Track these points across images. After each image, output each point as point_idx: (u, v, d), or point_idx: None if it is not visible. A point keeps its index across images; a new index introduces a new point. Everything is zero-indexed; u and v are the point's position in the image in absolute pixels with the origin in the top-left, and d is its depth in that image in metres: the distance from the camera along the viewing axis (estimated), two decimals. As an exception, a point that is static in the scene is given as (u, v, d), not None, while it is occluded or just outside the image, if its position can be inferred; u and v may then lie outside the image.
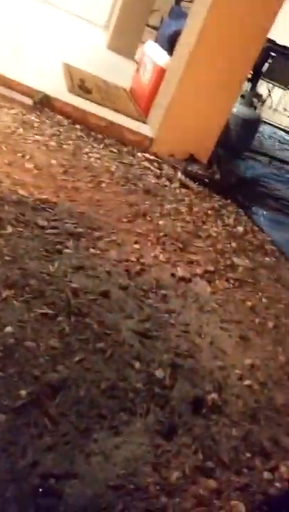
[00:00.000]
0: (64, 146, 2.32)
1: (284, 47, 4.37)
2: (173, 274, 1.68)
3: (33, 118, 2.45)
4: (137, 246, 1.75)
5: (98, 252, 1.61)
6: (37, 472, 0.88)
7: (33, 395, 1.02)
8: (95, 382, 1.12)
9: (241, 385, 1.31)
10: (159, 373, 1.22)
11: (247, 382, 1.33)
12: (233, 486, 1.02)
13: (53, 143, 2.30)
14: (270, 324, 1.65)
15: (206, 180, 2.65)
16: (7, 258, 1.37)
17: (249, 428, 1.19)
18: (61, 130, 2.50)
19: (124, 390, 1.13)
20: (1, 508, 0.81)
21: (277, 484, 1.08)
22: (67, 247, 1.55)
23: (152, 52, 3.22)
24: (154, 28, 5.53)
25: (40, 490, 0.85)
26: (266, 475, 1.08)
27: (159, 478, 0.97)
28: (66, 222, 1.68)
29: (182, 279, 1.67)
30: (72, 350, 1.17)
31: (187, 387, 1.22)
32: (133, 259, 1.66)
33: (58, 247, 1.53)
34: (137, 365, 1.21)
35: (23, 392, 1.01)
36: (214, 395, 1.22)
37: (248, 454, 1.12)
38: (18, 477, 0.86)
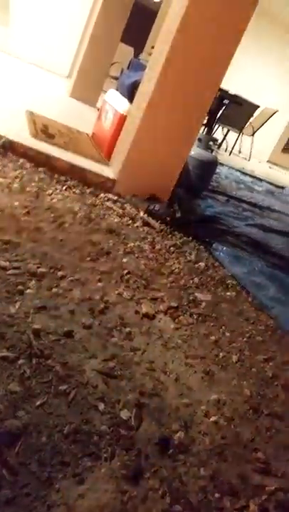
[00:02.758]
0: (27, 188, 2.34)
1: (235, 95, 4.68)
2: (137, 312, 1.68)
3: (-6, 161, 2.47)
4: (100, 284, 1.75)
5: (61, 291, 1.60)
6: (-6, 528, 0.83)
7: (-8, 443, 0.97)
8: (58, 427, 1.07)
9: (208, 421, 1.30)
10: (124, 414, 1.19)
11: (213, 418, 1.31)
12: (203, 529, 0.99)
13: (15, 185, 2.31)
14: (234, 358, 1.66)
15: (168, 218, 2.72)
16: None
17: (217, 466, 1.17)
18: (24, 173, 2.52)
19: (88, 433, 1.09)
20: None
21: (248, 524, 1.05)
22: (29, 288, 1.53)
23: (113, 100, 3.36)
24: (115, 78, 5.80)
25: None
26: (236, 515, 1.06)
27: (126, 526, 0.93)
28: (28, 263, 1.67)
29: (146, 315, 1.68)
30: (34, 394, 1.13)
31: (153, 427, 1.19)
32: (97, 297, 1.65)
33: (20, 287, 1.51)
34: (102, 406, 1.18)
35: (-20, 442, 0.96)
36: (181, 434, 1.20)
37: (217, 495, 1.09)
38: (-26, 535, 0.80)
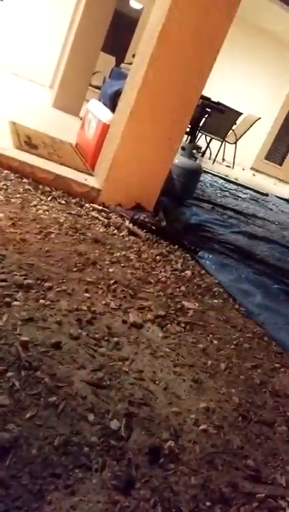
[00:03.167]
0: (12, 200, 2.33)
1: (217, 103, 4.75)
2: (124, 321, 1.68)
3: (-21, 172, 2.46)
4: (87, 294, 1.75)
5: (48, 302, 1.59)
6: None
7: (-19, 458, 0.96)
8: (48, 439, 1.07)
9: (197, 430, 1.31)
10: (114, 424, 1.19)
11: (203, 426, 1.32)
12: (195, 537, 1.00)
13: (0, 197, 2.30)
14: (222, 366, 1.67)
15: (153, 227, 2.74)
16: None
17: (207, 475, 1.17)
18: (8, 184, 2.52)
19: (78, 445, 1.09)
20: None
21: (239, 531, 1.06)
22: (16, 300, 1.52)
23: (96, 109, 3.39)
24: (97, 87, 5.85)
25: None
26: (227, 522, 1.07)
27: (118, 537, 0.93)
28: (15, 275, 1.66)
29: (134, 325, 1.68)
30: (23, 406, 1.13)
31: (143, 436, 1.20)
32: (84, 308, 1.65)
33: (7, 299, 1.50)
34: (91, 417, 1.18)
35: None
36: (171, 443, 1.21)
37: (208, 503, 1.10)
38: None
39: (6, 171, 2.67)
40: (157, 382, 1.43)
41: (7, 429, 1.05)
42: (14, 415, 1.09)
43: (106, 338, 1.53)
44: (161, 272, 2.27)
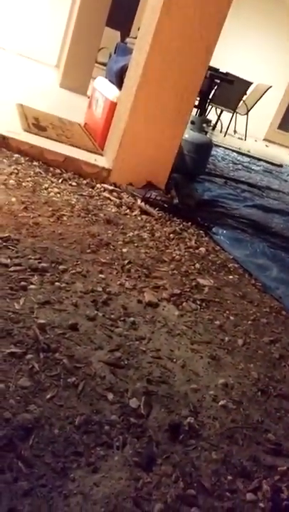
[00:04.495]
0: (23, 184, 2.33)
1: (226, 73, 4.61)
2: (140, 301, 1.69)
3: (-11, 158, 2.45)
4: (102, 276, 1.76)
5: (64, 285, 1.60)
6: (13, 521, 0.85)
7: (5, 438, 0.98)
8: (69, 419, 1.09)
9: (217, 406, 1.31)
10: (133, 403, 1.20)
11: (222, 402, 1.33)
12: None
13: (11, 181, 2.30)
14: (240, 341, 1.67)
15: (166, 205, 2.71)
16: None
17: (228, 449, 1.18)
18: (19, 168, 2.51)
19: (99, 423, 1.11)
20: None
21: (261, 505, 1.07)
22: (32, 283, 1.54)
23: (102, 87, 3.32)
24: (103, 64, 5.73)
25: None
26: (249, 496, 1.08)
27: (142, 512, 0.95)
28: (30, 258, 1.67)
29: (149, 304, 1.68)
30: (44, 387, 1.15)
31: (163, 414, 1.21)
32: (99, 289, 1.66)
33: (23, 283, 1.51)
34: (110, 396, 1.20)
35: (-6, 438, 0.97)
36: (190, 419, 1.22)
37: (230, 477, 1.11)
38: (-6, 529, 0.82)
39: (16, 155, 2.65)
40: (175, 360, 1.44)
41: (28, 410, 1.07)
42: (35, 396, 1.11)
43: (122, 318, 1.54)
44: (175, 250, 2.26)
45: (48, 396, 1.13)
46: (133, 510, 0.94)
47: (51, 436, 1.03)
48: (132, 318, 1.56)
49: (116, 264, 1.89)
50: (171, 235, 2.41)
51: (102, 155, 3.05)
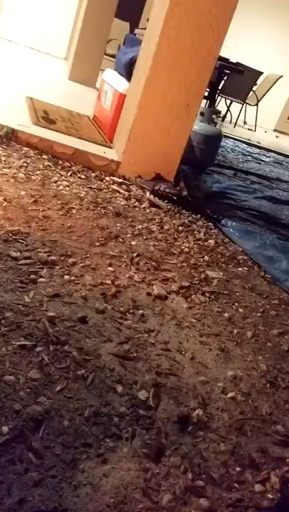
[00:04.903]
0: (32, 177, 2.34)
1: (236, 63, 4.55)
2: (149, 293, 1.69)
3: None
4: (111, 268, 1.76)
5: (73, 278, 1.61)
6: (24, 510, 0.86)
7: (16, 430, 1.00)
8: (78, 411, 1.10)
9: (225, 397, 1.32)
10: (142, 395, 1.21)
11: (231, 394, 1.33)
12: (226, 502, 1.02)
13: (21, 174, 2.31)
14: (249, 334, 1.67)
15: (175, 197, 2.70)
16: (-20, 293, 1.35)
17: (237, 441, 1.19)
18: (28, 161, 2.52)
19: (108, 415, 1.12)
20: None
21: (270, 495, 1.07)
22: (41, 276, 1.55)
23: (111, 79, 3.30)
24: (112, 56, 5.69)
25: (29, 528, 0.83)
26: (258, 487, 1.08)
27: (150, 503, 0.96)
28: (39, 252, 1.68)
29: (158, 297, 1.69)
30: (53, 380, 1.16)
31: (171, 405, 1.22)
32: (108, 282, 1.66)
33: (32, 276, 1.53)
34: (120, 388, 1.21)
35: (4, 429, 0.99)
36: (199, 411, 1.22)
37: (238, 468, 1.12)
38: (6, 518, 0.84)
39: (25, 148, 2.66)
40: (184, 352, 1.44)
41: (38, 401, 1.09)
42: (45, 388, 1.13)
43: (131, 311, 1.55)
44: (184, 242, 2.25)
45: (58, 388, 1.14)
46: (142, 501, 0.96)
47: (61, 428, 1.05)
48: (140, 311, 1.56)
49: (125, 256, 1.89)
50: (180, 228, 2.41)
51: (111, 147, 3.04)
